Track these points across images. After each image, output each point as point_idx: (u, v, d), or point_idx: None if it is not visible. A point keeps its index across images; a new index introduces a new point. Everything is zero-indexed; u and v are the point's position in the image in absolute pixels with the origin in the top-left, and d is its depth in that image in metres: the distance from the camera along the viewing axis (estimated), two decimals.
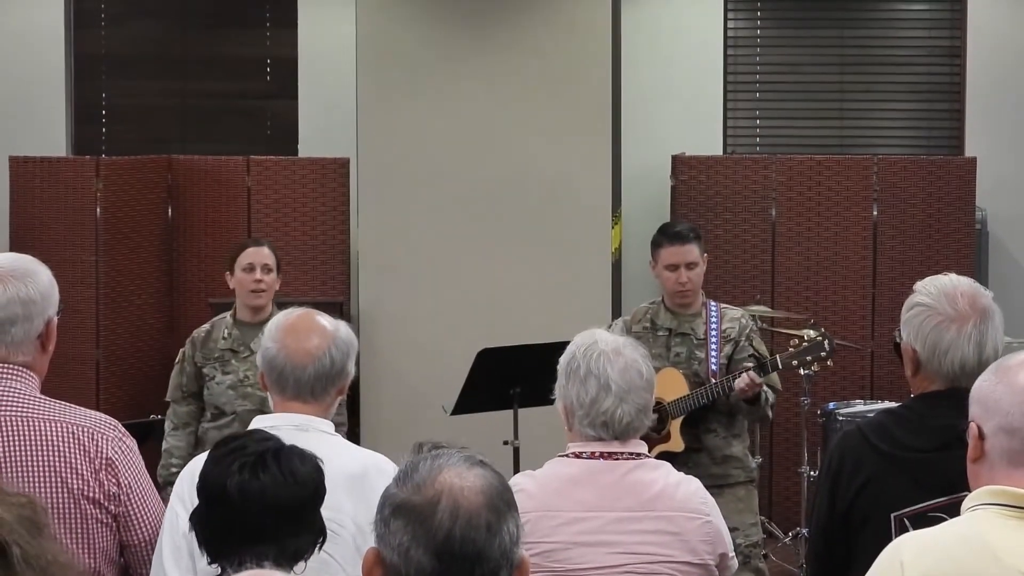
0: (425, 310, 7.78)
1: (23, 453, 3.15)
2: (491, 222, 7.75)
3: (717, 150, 8.91)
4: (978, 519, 2.46)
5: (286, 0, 9.08)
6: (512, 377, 5.88)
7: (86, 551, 3.17)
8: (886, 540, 2.60)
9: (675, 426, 5.50)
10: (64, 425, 3.18)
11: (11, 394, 3.17)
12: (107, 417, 3.28)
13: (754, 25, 9.17)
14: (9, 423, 3.16)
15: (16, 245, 7.96)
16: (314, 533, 2.83)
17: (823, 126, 9.13)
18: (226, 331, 5.87)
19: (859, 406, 7.28)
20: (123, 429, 3.28)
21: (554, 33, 7.72)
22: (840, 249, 8.32)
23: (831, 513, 3.28)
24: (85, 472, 3.16)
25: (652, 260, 5.64)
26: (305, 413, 3.38)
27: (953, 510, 2.69)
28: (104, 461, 3.18)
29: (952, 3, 8.99)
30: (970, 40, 8.88)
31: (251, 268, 5.89)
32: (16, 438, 3.15)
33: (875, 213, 8.29)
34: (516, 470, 5.56)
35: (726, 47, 9.02)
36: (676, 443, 5.49)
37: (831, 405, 7.33)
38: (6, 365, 3.18)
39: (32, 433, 3.16)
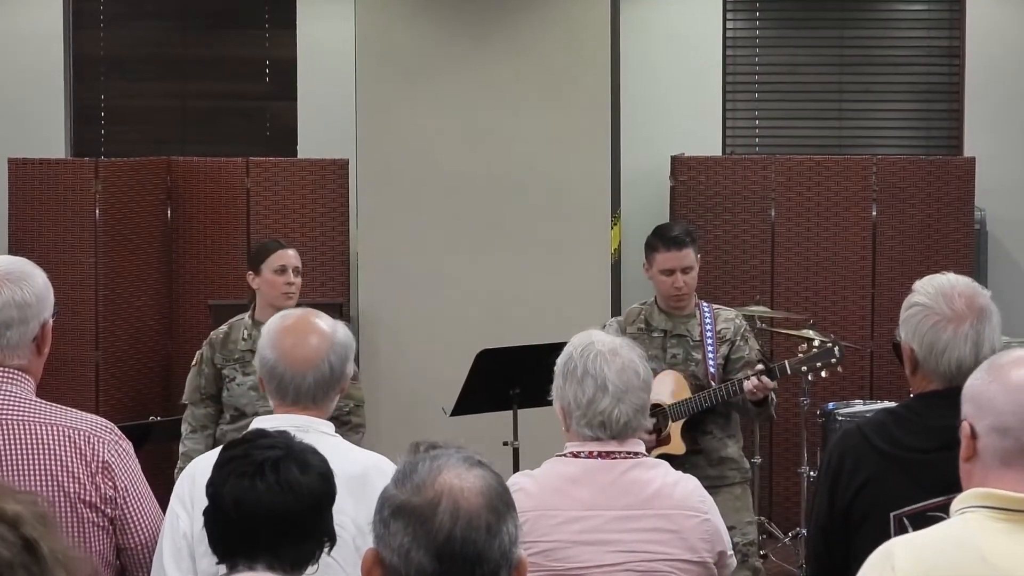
0: (424, 311, 7.78)
1: (19, 457, 3.14)
2: (490, 223, 7.75)
3: (716, 151, 8.91)
4: (968, 522, 2.45)
5: (285, 1, 9.08)
6: (511, 378, 5.87)
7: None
8: (885, 539, 2.59)
9: (676, 429, 5.50)
10: (60, 428, 3.18)
11: (7, 398, 3.17)
12: (103, 420, 3.28)
13: (753, 25, 9.17)
14: (5, 427, 3.15)
15: (15, 247, 7.96)
16: (319, 539, 2.83)
17: (822, 126, 9.13)
18: (245, 332, 5.80)
19: (859, 406, 7.28)
20: (119, 432, 3.27)
21: (553, 34, 7.72)
22: (839, 249, 8.31)
23: (831, 512, 3.28)
24: (81, 475, 3.16)
25: (646, 263, 5.59)
26: (306, 415, 3.38)
27: None
28: (100, 464, 3.18)
29: (951, 3, 8.99)
30: (969, 40, 8.88)
31: (283, 270, 5.81)
32: (12, 442, 3.15)
33: (874, 213, 8.29)
34: (516, 471, 5.52)
35: (725, 47, 9.02)
36: (677, 446, 5.48)
37: (831, 405, 7.32)
38: (2, 368, 3.18)
39: (28, 437, 3.15)
